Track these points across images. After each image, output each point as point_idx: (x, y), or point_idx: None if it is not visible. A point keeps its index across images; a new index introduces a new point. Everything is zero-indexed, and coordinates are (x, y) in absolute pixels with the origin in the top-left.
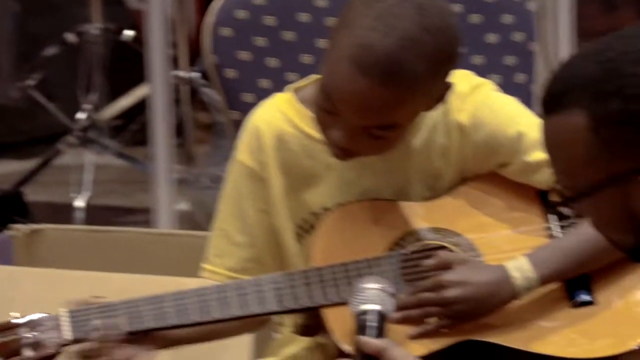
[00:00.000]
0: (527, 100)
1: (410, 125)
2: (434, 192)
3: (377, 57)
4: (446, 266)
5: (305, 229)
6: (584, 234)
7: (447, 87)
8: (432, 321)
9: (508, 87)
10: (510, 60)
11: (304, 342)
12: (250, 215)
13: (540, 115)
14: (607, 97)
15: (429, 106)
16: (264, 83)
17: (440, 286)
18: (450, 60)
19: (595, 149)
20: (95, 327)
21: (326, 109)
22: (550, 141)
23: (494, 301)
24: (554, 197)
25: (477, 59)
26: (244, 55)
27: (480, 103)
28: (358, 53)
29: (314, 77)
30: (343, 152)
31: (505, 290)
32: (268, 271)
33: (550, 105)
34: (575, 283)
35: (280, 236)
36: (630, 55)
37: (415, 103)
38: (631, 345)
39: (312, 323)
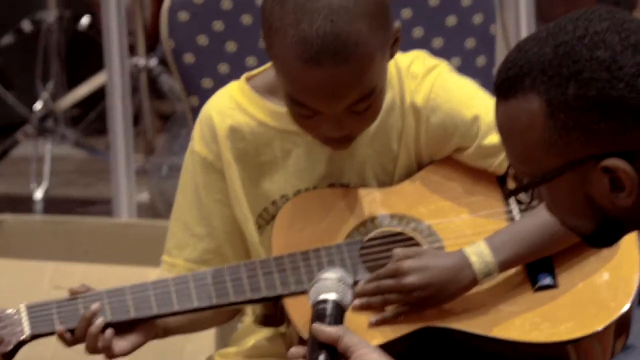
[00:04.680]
0: (487, 84)
1: (385, 83)
2: (390, 176)
3: (318, 45)
4: (406, 258)
5: (266, 219)
6: (542, 218)
7: (395, 29)
8: (392, 308)
9: (468, 70)
10: (470, 43)
11: (265, 332)
12: (209, 206)
13: (495, 100)
14: (563, 82)
15: (390, 55)
16: (223, 68)
17: (399, 273)
18: (383, 10)
19: (552, 135)
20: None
21: (305, 115)
22: (505, 127)
23: (454, 287)
24: (511, 183)
25: (437, 42)
26: (202, 39)
27: (435, 85)
28: (300, 51)
29: (267, 64)
30: (339, 142)
31: (465, 275)
32: (228, 262)
33: (505, 90)
34: (537, 266)
35: (243, 227)
36: (585, 39)
37: (377, 60)
38: (594, 328)
39: (273, 313)
